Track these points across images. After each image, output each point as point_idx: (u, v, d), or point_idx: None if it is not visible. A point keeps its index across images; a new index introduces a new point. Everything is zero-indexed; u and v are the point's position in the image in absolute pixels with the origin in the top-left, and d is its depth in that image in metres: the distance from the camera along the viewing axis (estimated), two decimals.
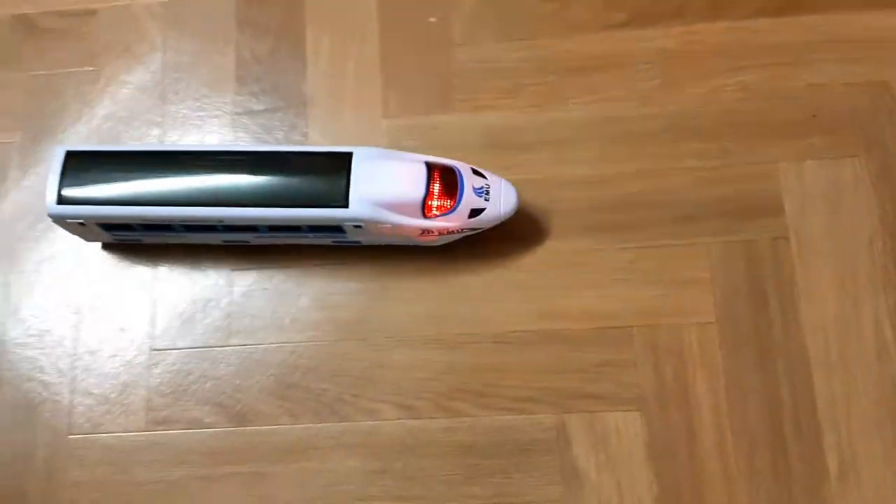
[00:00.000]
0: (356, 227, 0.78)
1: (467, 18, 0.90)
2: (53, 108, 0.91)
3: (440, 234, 0.78)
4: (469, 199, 0.76)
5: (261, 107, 0.89)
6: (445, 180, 0.77)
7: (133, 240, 0.84)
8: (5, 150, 0.89)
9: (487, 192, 0.77)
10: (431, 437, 0.77)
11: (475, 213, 0.77)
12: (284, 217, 0.77)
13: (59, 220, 0.79)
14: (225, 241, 0.83)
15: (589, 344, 0.79)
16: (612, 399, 0.77)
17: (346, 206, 0.76)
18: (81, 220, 0.79)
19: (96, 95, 0.91)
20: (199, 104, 0.90)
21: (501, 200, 0.78)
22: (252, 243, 0.83)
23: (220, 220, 0.78)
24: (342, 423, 0.78)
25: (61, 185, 0.78)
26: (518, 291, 0.81)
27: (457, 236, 0.79)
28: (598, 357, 0.78)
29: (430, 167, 0.77)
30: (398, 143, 0.86)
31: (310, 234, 0.80)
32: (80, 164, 0.79)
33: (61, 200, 0.78)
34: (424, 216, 0.77)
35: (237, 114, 0.89)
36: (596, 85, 0.87)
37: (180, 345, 0.82)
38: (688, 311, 0.79)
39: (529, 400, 0.78)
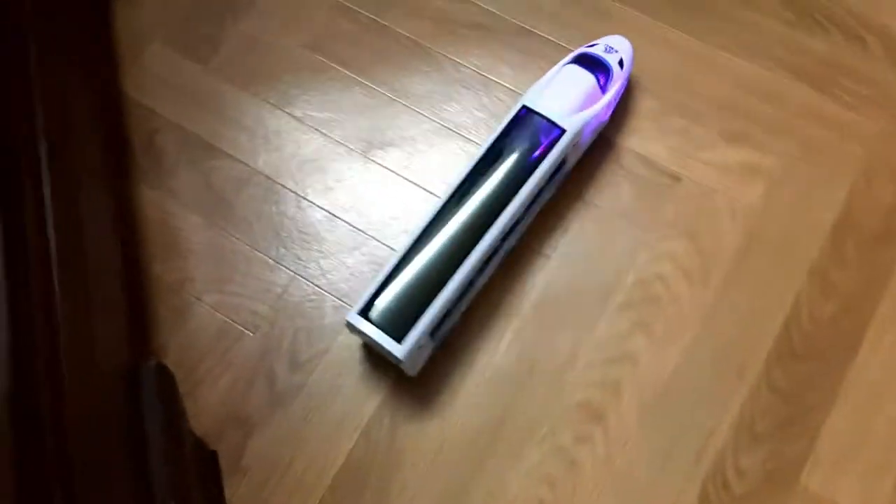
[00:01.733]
0: (574, 146, 0.87)
1: None
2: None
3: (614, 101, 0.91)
4: (611, 59, 0.90)
5: (799, 371, 0.84)
6: (589, 64, 0.89)
7: (446, 333, 0.84)
8: None
9: (611, 48, 0.90)
10: None
11: (621, 63, 0.90)
12: (540, 179, 0.84)
13: (411, 357, 0.80)
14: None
15: None
16: None
17: (563, 131, 0.85)
18: (425, 343, 0.81)
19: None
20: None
21: (622, 46, 0.91)
22: (513, 244, 0.88)
23: (508, 225, 0.83)
24: None
25: (390, 335, 0.79)
26: None
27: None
28: None
29: (578, 61, 0.90)
30: None
31: (545, 192, 0.88)
32: (381, 310, 0.80)
33: (400, 340, 0.79)
34: (603, 93, 0.89)
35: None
36: None
37: None
38: None
39: None
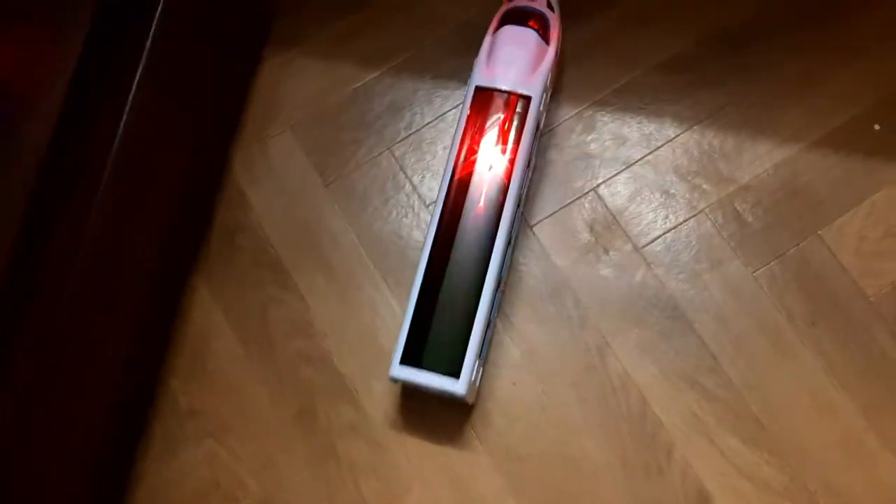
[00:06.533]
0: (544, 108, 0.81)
1: None
2: None
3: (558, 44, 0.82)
4: (540, 4, 0.82)
5: None
6: (520, 18, 0.80)
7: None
8: None
9: None
10: None
11: (550, 6, 0.82)
12: (525, 155, 0.77)
13: (470, 389, 0.74)
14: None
15: None
16: None
17: (529, 98, 0.78)
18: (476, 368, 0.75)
19: None
20: None
21: None
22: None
23: (515, 212, 0.77)
24: None
25: (444, 373, 0.73)
26: None
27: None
28: None
29: (507, 21, 0.81)
30: None
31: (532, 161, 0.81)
32: (424, 352, 0.74)
33: (457, 375, 0.73)
34: (548, 43, 0.81)
35: None
36: None
37: None
38: None
39: None
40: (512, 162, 0.76)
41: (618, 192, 0.84)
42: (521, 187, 0.78)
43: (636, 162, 0.85)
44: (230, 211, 0.87)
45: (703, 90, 0.86)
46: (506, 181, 0.76)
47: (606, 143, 0.86)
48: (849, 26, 0.86)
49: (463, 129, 0.78)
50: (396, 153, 0.88)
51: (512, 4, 0.82)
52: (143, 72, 0.77)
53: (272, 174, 0.88)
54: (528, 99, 0.78)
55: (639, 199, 0.84)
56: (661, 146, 0.85)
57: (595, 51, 0.88)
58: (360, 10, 0.91)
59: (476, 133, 0.78)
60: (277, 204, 0.87)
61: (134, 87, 0.76)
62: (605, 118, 0.86)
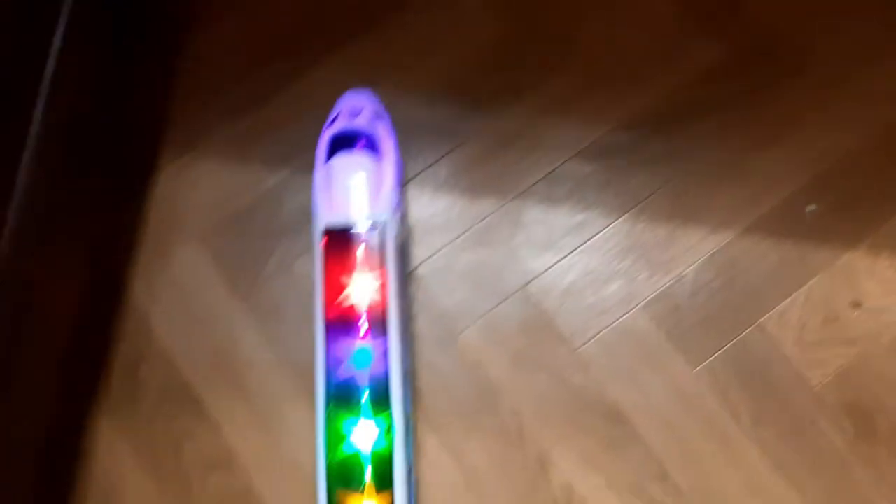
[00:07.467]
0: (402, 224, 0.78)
1: None
2: None
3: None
4: (363, 121, 0.77)
5: None
6: (348, 141, 0.76)
7: None
8: None
9: (355, 109, 0.78)
10: None
11: (376, 117, 0.78)
12: (399, 284, 0.73)
13: None
14: None
15: None
16: None
17: (384, 224, 0.73)
18: None
19: None
20: None
21: (362, 100, 0.79)
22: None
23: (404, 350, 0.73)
24: None
25: None
26: None
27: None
28: None
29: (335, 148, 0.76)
30: None
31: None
32: None
33: None
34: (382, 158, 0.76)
35: None
36: None
37: None
38: None
39: None
40: (384, 288, 0.72)
41: (549, 289, 0.80)
42: (401, 312, 0.72)
43: (566, 256, 0.81)
44: (131, 339, 0.79)
45: (630, 177, 0.82)
46: (382, 310, 0.71)
47: (533, 237, 0.81)
48: (777, 103, 0.83)
49: (323, 273, 0.72)
50: (312, 259, 0.82)
51: (335, 131, 0.76)
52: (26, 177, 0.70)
53: (177, 292, 0.81)
54: (383, 227, 0.73)
55: (571, 296, 0.80)
56: (592, 238, 0.81)
57: (512, 144, 0.83)
58: (256, 111, 0.85)
59: (338, 273, 0.72)
60: (184, 325, 0.80)
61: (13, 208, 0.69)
62: (531, 211, 0.82)
